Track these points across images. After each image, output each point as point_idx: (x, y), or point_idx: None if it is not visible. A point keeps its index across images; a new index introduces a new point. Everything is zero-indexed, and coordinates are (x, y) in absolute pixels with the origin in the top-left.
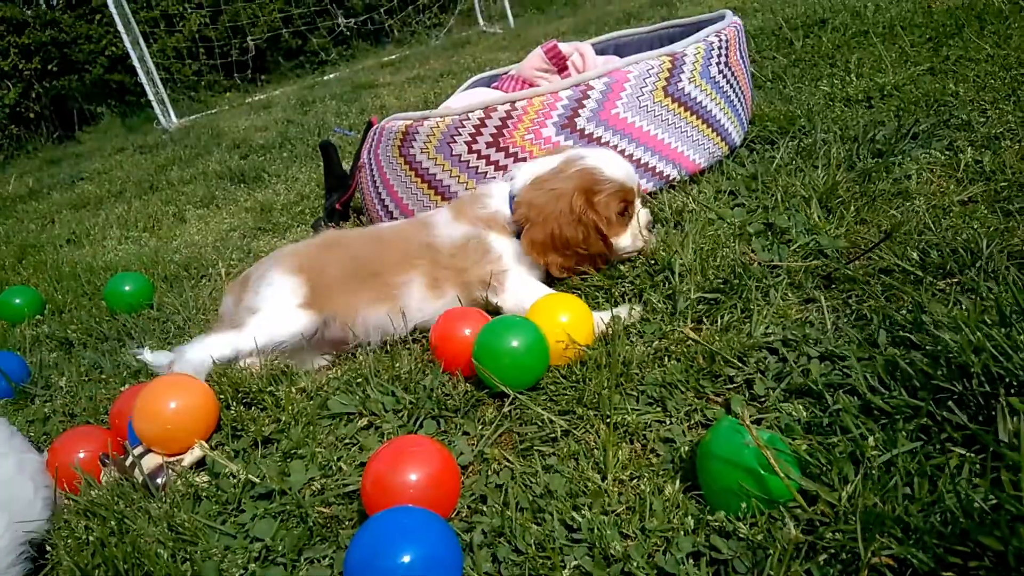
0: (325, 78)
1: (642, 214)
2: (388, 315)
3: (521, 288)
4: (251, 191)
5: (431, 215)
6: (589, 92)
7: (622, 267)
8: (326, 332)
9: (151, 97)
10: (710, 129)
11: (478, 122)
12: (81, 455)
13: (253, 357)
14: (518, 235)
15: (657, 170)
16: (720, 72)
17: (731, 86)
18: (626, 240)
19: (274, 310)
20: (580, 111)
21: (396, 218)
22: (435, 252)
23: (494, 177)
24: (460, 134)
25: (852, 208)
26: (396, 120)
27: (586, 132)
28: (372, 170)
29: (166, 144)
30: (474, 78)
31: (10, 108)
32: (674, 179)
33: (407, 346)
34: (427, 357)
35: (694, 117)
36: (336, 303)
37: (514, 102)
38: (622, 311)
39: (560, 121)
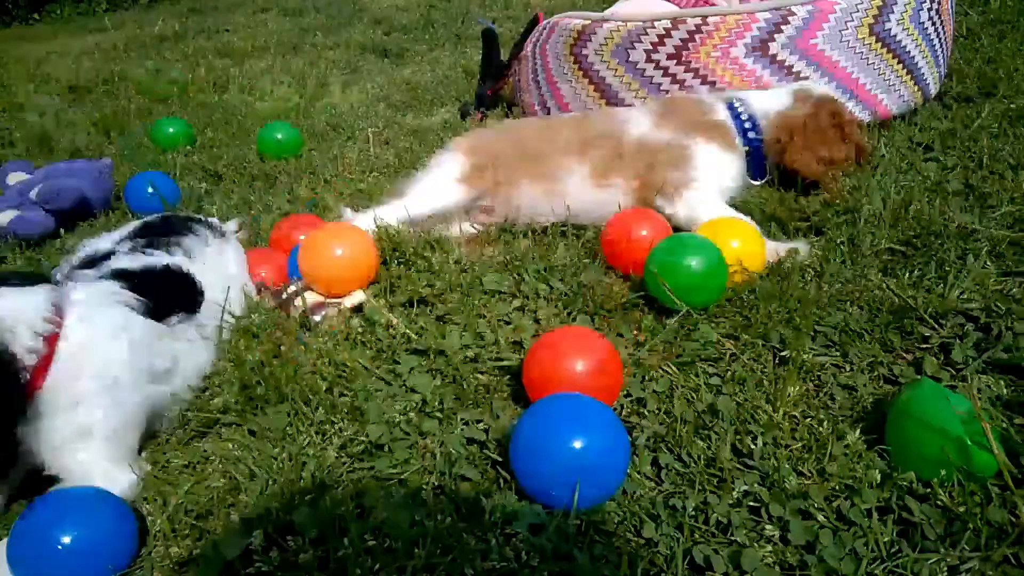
0: None
1: None
2: (544, 195)
3: (700, 203)
4: (395, 66)
5: (626, 110)
6: (789, 18)
7: (803, 200)
8: (481, 202)
9: None
10: (908, 75)
11: (663, 32)
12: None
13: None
14: (754, 150)
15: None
16: (930, 18)
17: (937, 34)
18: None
19: (434, 181)
20: (776, 36)
21: (550, 111)
22: (618, 143)
23: (662, 86)
24: (641, 41)
25: None
26: (572, 18)
27: (779, 59)
28: (535, 64)
29: (308, 10)
30: None
31: None
32: (863, 122)
33: (565, 238)
34: (584, 251)
35: (895, 60)
36: (495, 177)
37: (706, 17)
38: (800, 246)
39: (753, 44)
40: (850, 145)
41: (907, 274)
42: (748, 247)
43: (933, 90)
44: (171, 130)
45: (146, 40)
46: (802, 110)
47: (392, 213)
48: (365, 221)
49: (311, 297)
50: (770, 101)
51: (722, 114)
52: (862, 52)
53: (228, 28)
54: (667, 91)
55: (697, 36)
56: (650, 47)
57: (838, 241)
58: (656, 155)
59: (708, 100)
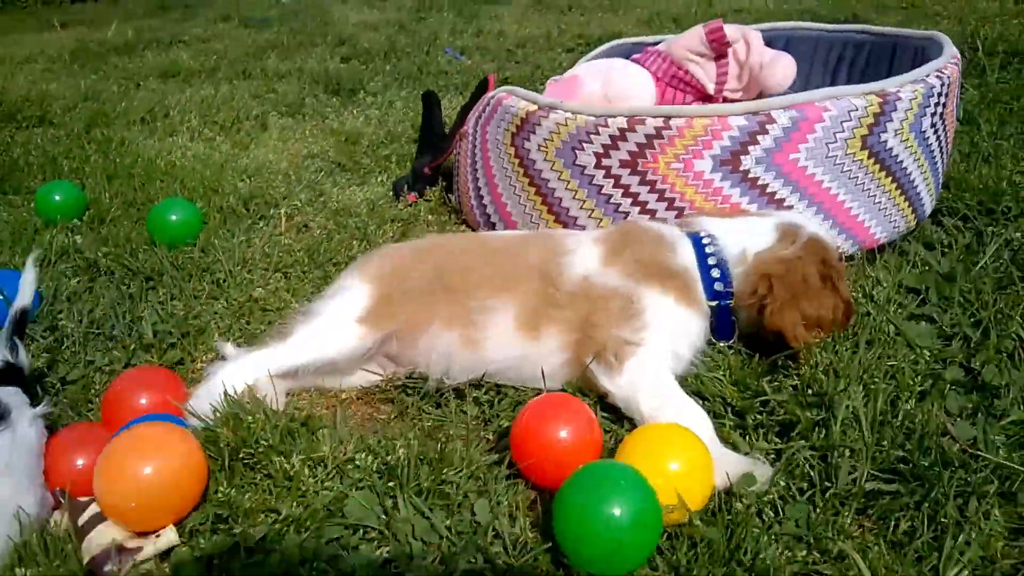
0: None
1: None
2: (459, 343)
3: (643, 380)
4: (343, 107)
5: (575, 237)
6: (768, 126)
7: (766, 383)
8: (386, 349)
9: None
10: (902, 195)
11: (617, 132)
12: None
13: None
14: (722, 308)
15: None
16: (932, 125)
17: (939, 142)
18: None
19: (327, 321)
20: (751, 148)
21: (492, 220)
22: (552, 283)
23: (621, 208)
24: (591, 142)
25: None
26: (516, 100)
27: (751, 175)
28: (475, 149)
29: (272, 23)
30: (612, 43)
31: None
32: (843, 253)
33: (479, 405)
34: (496, 441)
35: (888, 178)
36: (402, 318)
37: (669, 117)
38: (758, 469)
39: (722, 156)
40: (838, 301)
41: (892, 522)
42: (692, 471)
43: (928, 208)
44: (57, 198)
45: (93, 48)
46: (786, 252)
47: (262, 365)
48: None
49: (100, 536)
50: (748, 238)
51: (686, 255)
52: (851, 170)
53: (184, 39)
54: (618, 206)
55: (656, 142)
56: (601, 149)
57: (806, 469)
58: (598, 305)
59: (670, 234)
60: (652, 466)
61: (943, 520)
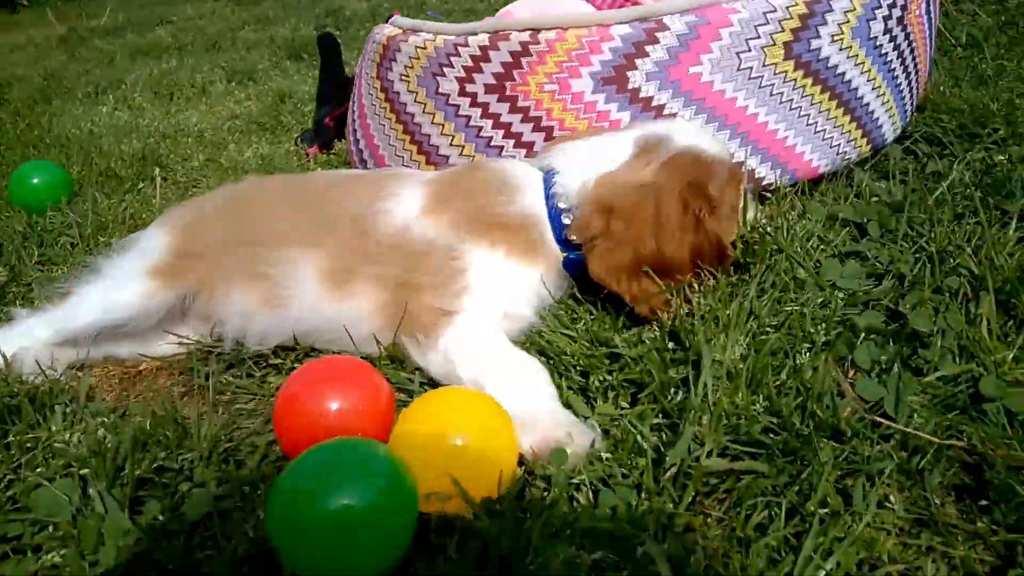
0: None
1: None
2: (257, 302)
3: (465, 349)
4: (297, 72)
5: (397, 179)
6: (659, 35)
7: (620, 340)
8: (190, 310)
9: None
10: (849, 118)
11: (479, 52)
12: None
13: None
14: (570, 260)
15: (748, 166)
16: (887, 32)
17: (900, 56)
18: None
19: (114, 277)
20: (639, 62)
21: (368, 165)
22: (366, 234)
23: (493, 141)
24: (451, 65)
25: None
26: (382, 26)
27: (643, 96)
28: (356, 91)
29: None
30: None
31: None
32: (771, 184)
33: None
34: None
35: (827, 96)
36: (200, 273)
37: (537, 30)
38: (578, 433)
39: (603, 72)
40: (704, 239)
41: (742, 508)
42: (482, 448)
43: (891, 134)
44: (36, 180)
45: (82, 34)
46: (634, 176)
47: (34, 330)
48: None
49: None
50: (596, 161)
51: (529, 199)
52: (773, 84)
53: (172, 19)
54: (489, 139)
55: (524, 60)
56: (463, 73)
57: (644, 431)
58: (413, 263)
59: (515, 174)
60: (429, 443)
61: (809, 513)
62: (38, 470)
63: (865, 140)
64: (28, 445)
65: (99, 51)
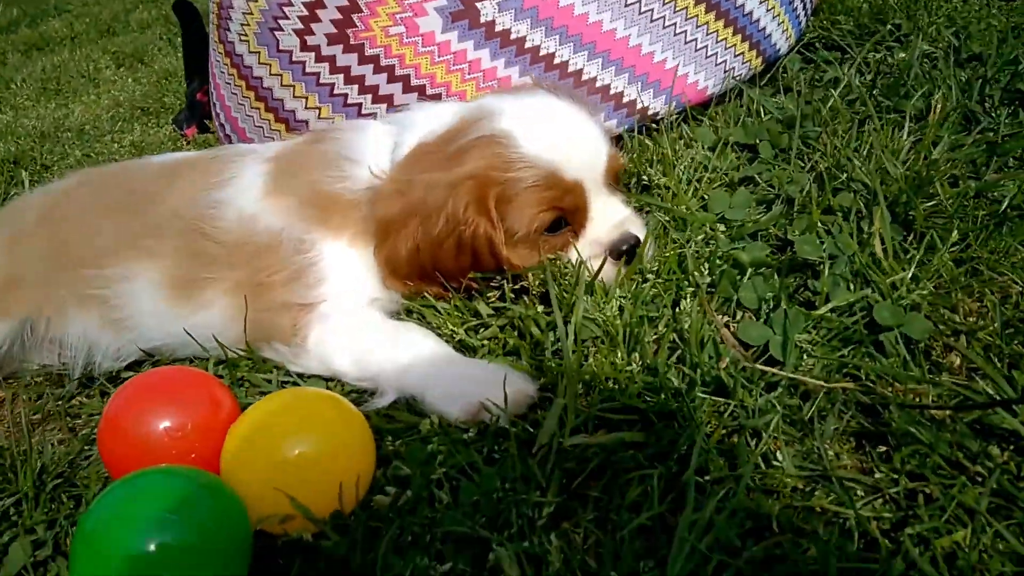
0: None
1: (607, 221)
2: (96, 326)
3: (335, 341)
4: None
5: (233, 157)
6: None
7: (485, 307)
8: (25, 341)
9: None
10: (732, 30)
11: None
12: None
13: None
14: None
15: (625, 98)
16: None
17: None
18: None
19: None
20: None
21: (233, 142)
22: (205, 235)
23: (350, 99)
24: (287, 16)
25: (957, 234)
26: None
27: (499, 28)
28: (210, 60)
29: None
30: None
31: None
32: (656, 114)
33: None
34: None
35: (702, 9)
36: (30, 302)
37: None
38: (511, 382)
39: (451, 7)
40: (477, 259)
41: (614, 486)
42: (325, 455)
43: (783, 44)
44: None
45: None
46: (418, 164)
47: None
48: None
49: None
50: (418, 134)
51: (364, 172)
52: (640, 2)
53: (68, 8)
54: (345, 97)
55: (362, 2)
56: (301, 25)
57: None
58: (261, 259)
59: (354, 143)
60: (261, 457)
61: (689, 479)
62: None
63: (755, 54)
64: None
65: None
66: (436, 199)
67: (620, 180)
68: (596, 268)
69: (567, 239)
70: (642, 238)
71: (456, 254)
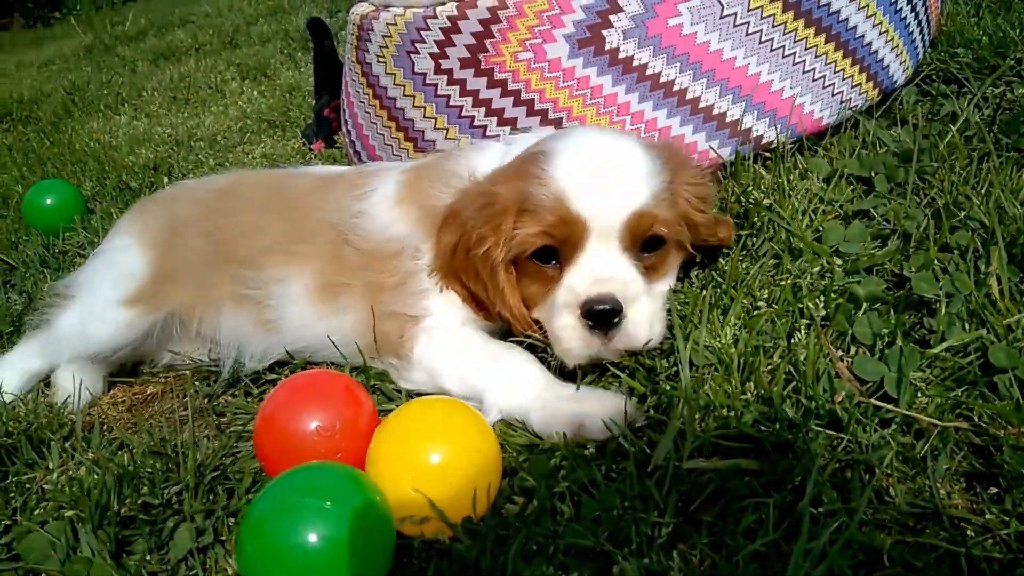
0: None
1: (594, 273)
2: (251, 324)
3: (441, 357)
4: (307, 62)
5: (375, 171)
6: None
7: None
8: (180, 331)
9: None
10: (850, 61)
11: (448, 24)
12: None
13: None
14: None
15: (741, 126)
16: None
17: None
18: (544, 315)
19: (90, 306)
20: (613, 18)
21: (361, 156)
22: (347, 240)
23: (476, 121)
24: (424, 40)
25: None
26: (360, 4)
27: (623, 56)
28: (344, 79)
29: None
30: None
31: None
32: (770, 143)
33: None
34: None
35: (822, 39)
36: (183, 296)
37: None
38: (604, 403)
39: (579, 34)
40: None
41: (729, 517)
42: (460, 464)
43: (900, 76)
44: (48, 202)
45: (106, 42)
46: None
47: (17, 365)
48: None
49: None
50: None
51: None
52: (761, 31)
53: (192, 19)
54: (472, 119)
55: (494, 28)
56: (436, 49)
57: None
58: (384, 266)
59: (468, 162)
60: (404, 463)
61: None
62: (35, 512)
63: (871, 84)
64: (26, 486)
65: (121, 59)
66: (468, 204)
67: (643, 246)
68: (562, 320)
69: (554, 275)
70: (630, 315)
71: (467, 264)
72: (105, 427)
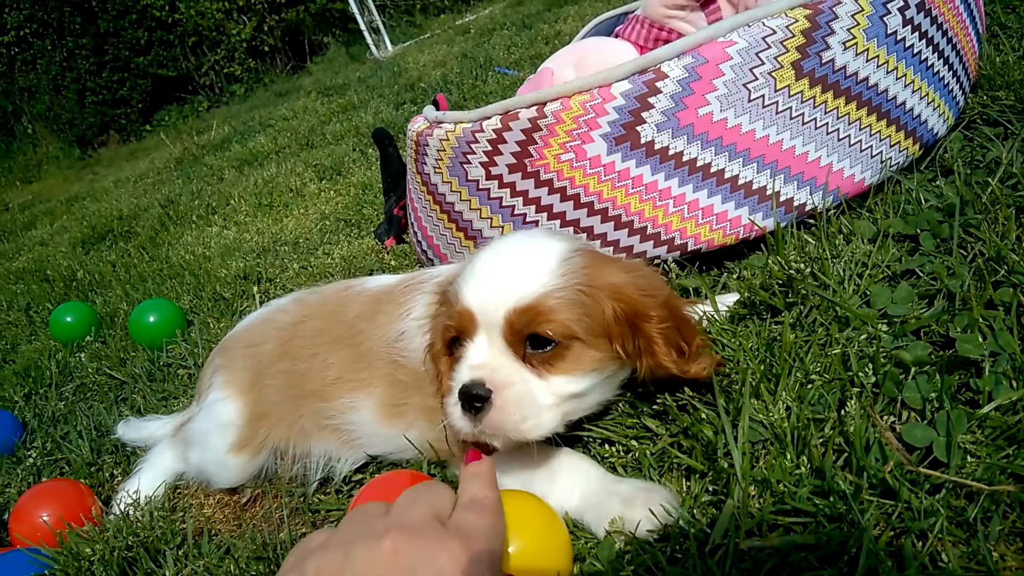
0: None
1: (472, 361)
2: (335, 445)
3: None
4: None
5: (411, 292)
6: (660, 83)
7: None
8: (276, 462)
9: (362, 25)
10: (885, 122)
11: (494, 135)
12: None
13: None
14: None
15: (783, 196)
16: (909, 23)
17: (932, 44)
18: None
19: (207, 455)
20: (646, 115)
21: (429, 256)
22: (401, 366)
23: (528, 217)
24: (474, 152)
25: None
26: (414, 122)
27: (658, 147)
28: (407, 187)
29: (351, 85)
30: (596, 20)
31: (247, 42)
32: (815, 209)
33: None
34: None
35: (854, 106)
36: (278, 435)
37: (543, 104)
38: (644, 500)
39: (614, 132)
40: None
41: None
42: (536, 551)
43: (941, 128)
44: (69, 319)
45: (194, 152)
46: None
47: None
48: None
49: None
50: None
51: None
52: (790, 108)
53: (271, 122)
54: (524, 216)
55: (536, 135)
56: (485, 158)
57: (684, 525)
58: (429, 389)
59: None
60: None
61: None
62: None
63: (911, 141)
64: None
65: (209, 168)
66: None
67: (532, 341)
68: (451, 400)
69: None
70: (497, 401)
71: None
72: (212, 531)
